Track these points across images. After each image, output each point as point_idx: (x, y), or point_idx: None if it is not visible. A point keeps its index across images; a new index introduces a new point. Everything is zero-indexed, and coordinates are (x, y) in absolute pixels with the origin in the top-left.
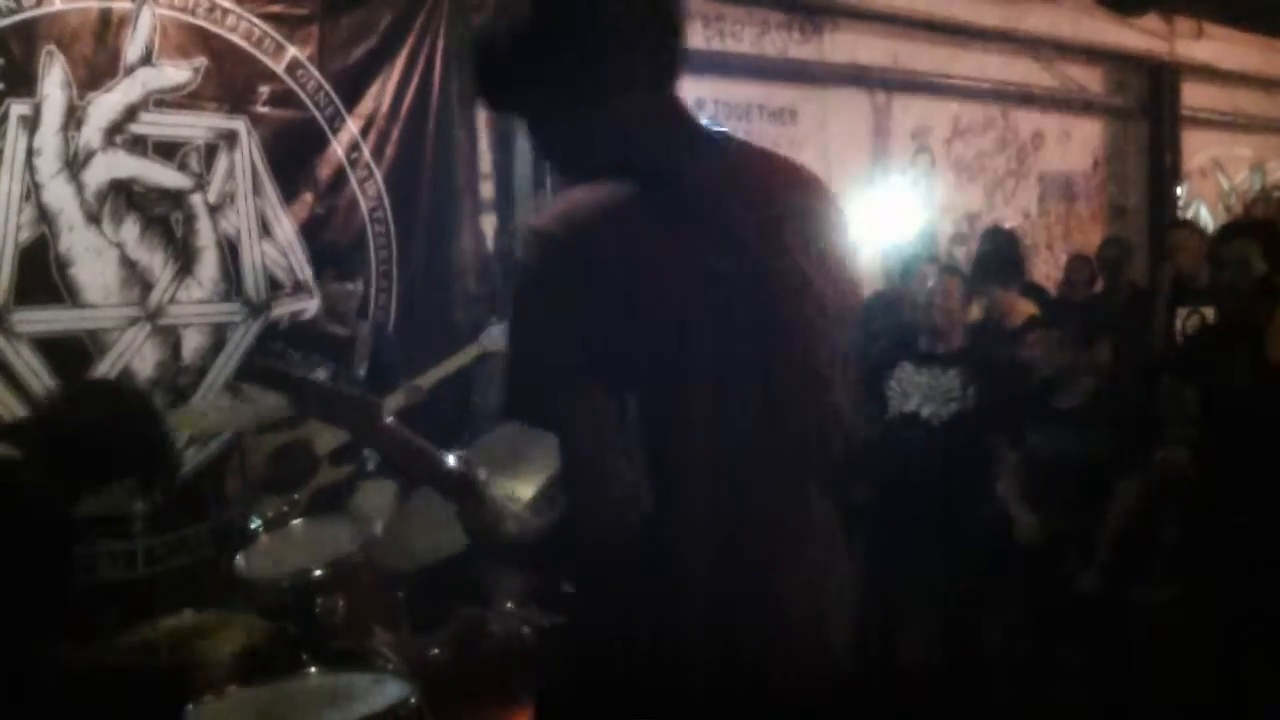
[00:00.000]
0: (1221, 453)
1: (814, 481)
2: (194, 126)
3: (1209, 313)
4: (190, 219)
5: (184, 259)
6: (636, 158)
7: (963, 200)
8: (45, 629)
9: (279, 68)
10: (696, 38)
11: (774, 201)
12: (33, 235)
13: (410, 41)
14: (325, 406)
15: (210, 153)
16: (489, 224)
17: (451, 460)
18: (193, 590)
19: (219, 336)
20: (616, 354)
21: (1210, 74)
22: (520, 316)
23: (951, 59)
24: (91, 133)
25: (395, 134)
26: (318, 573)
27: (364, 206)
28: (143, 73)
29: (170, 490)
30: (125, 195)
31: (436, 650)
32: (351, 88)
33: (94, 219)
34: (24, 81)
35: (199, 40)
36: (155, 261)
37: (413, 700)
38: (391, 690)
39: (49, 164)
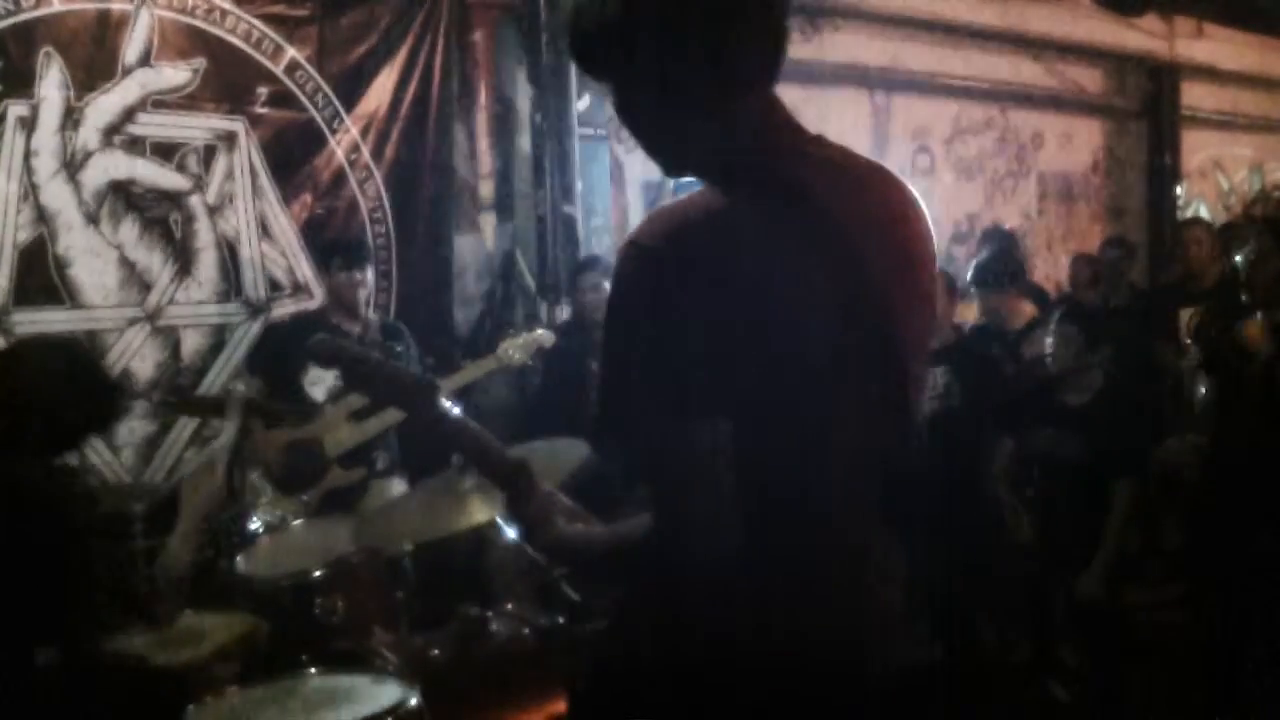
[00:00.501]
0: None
1: (899, 493)
2: (193, 127)
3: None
4: (189, 220)
5: (183, 260)
6: (745, 161)
7: (962, 200)
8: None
9: (278, 69)
10: None
11: (881, 212)
12: (31, 236)
13: (409, 42)
14: (382, 385)
15: (209, 154)
16: (489, 224)
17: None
18: (192, 590)
19: (218, 337)
20: (717, 378)
21: (1210, 74)
22: (617, 336)
23: (951, 59)
24: (89, 134)
25: (395, 134)
26: (317, 573)
27: (363, 207)
28: (141, 74)
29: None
30: (124, 196)
31: (436, 650)
32: (351, 88)
33: (92, 220)
34: (22, 83)
35: (198, 41)
36: (154, 262)
37: (413, 701)
38: (391, 691)
39: (47, 165)
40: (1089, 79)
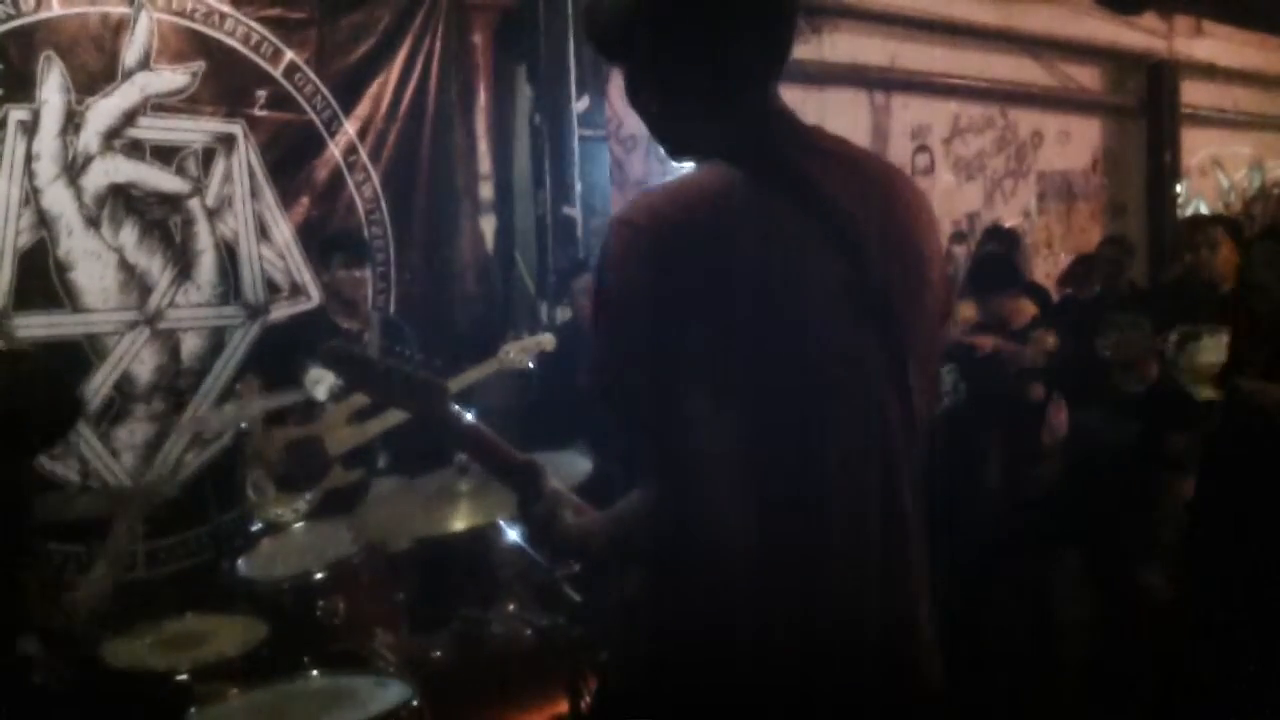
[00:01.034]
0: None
1: (909, 490)
2: (192, 130)
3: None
4: (189, 223)
5: (182, 263)
6: (744, 146)
7: (962, 199)
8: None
9: (277, 71)
10: None
11: (885, 203)
12: (32, 240)
13: (408, 44)
14: (393, 389)
15: (208, 156)
16: (488, 225)
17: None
18: (194, 593)
19: (218, 339)
20: (708, 353)
21: (1209, 72)
22: (605, 313)
23: (951, 58)
24: (90, 137)
25: (393, 136)
26: (318, 575)
27: (361, 209)
28: (141, 77)
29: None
30: (124, 199)
31: (437, 651)
32: (349, 90)
33: (93, 223)
34: (22, 87)
35: (197, 44)
36: (154, 265)
37: (414, 702)
38: (392, 692)
39: (48, 169)
40: (1088, 78)
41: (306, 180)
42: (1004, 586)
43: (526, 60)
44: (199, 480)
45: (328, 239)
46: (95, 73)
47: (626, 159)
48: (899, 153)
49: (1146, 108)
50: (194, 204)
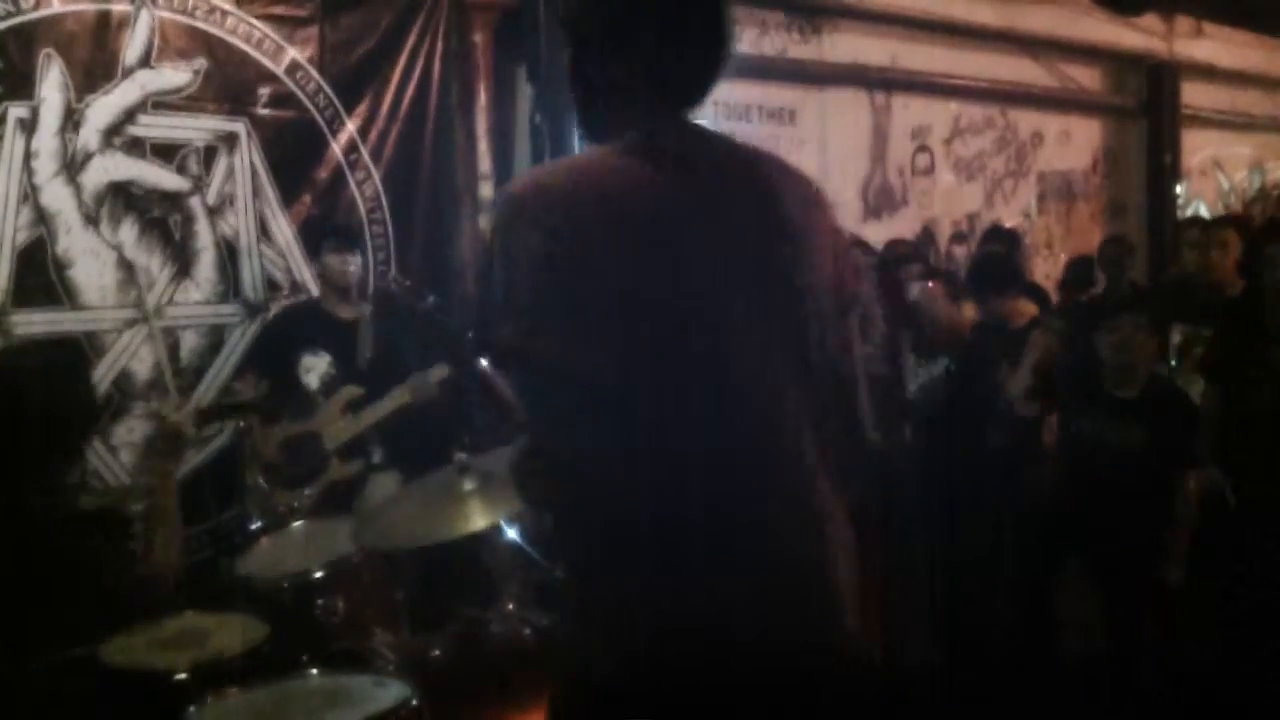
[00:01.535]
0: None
1: (812, 472)
2: (193, 129)
3: None
4: (189, 221)
5: (182, 260)
6: (641, 136)
7: (962, 200)
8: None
9: (279, 69)
10: None
11: (770, 193)
12: (31, 237)
13: (410, 43)
14: (432, 334)
15: (209, 155)
16: (488, 224)
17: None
18: (193, 591)
19: (217, 337)
20: (586, 314)
21: (1209, 73)
22: (489, 274)
23: (951, 59)
24: (90, 135)
25: (394, 135)
26: (318, 574)
27: (361, 207)
28: (141, 75)
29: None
30: (123, 197)
31: (437, 651)
32: (351, 89)
33: (92, 221)
34: (22, 84)
35: (198, 42)
36: (153, 263)
37: (413, 701)
38: (392, 691)
39: (47, 166)
40: (1089, 78)
41: (308, 178)
42: (1006, 588)
43: (526, 60)
44: (198, 479)
45: (317, 227)
46: (95, 70)
47: None
48: (899, 153)
49: (1146, 108)
50: (194, 202)
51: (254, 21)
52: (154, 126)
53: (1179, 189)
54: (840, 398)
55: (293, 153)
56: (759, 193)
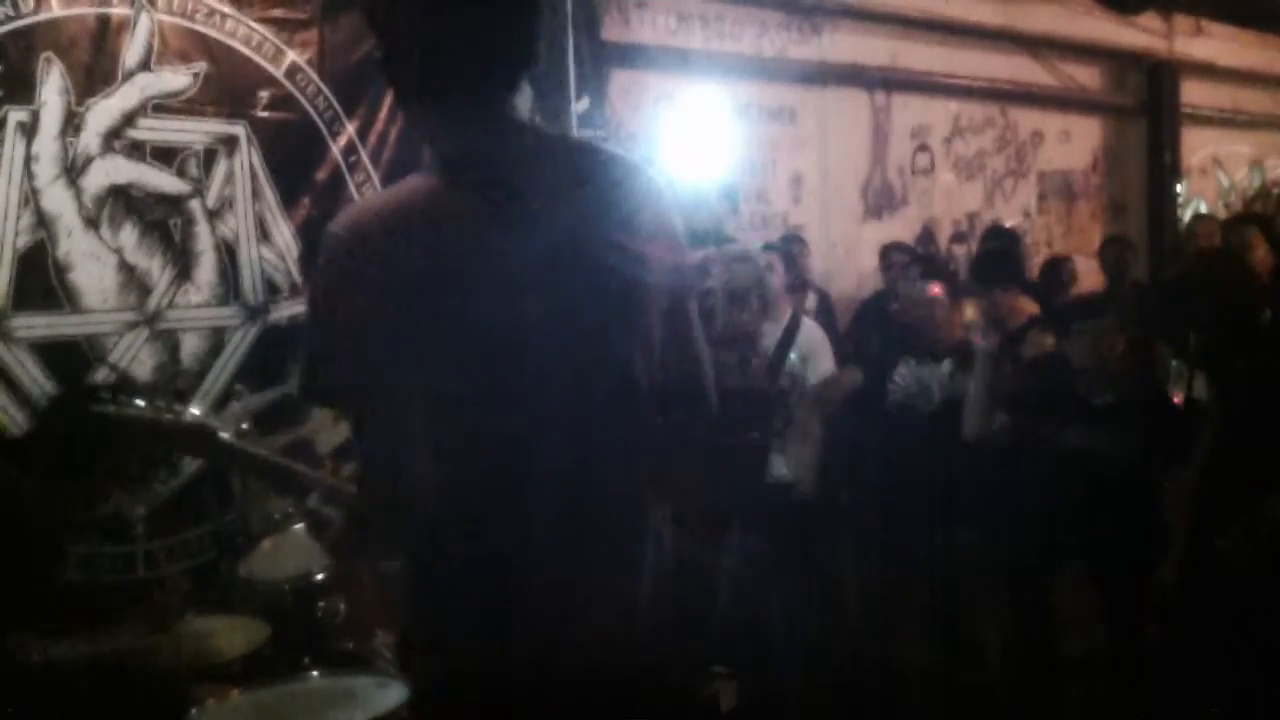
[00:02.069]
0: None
1: (622, 476)
2: (193, 132)
3: None
4: (189, 223)
5: (182, 263)
6: (448, 147)
7: (962, 199)
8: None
9: (278, 72)
10: (696, 38)
11: (577, 185)
12: (31, 240)
13: None
14: (156, 438)
15: (209, 157)
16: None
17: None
18: (195, 593)
19: (217, 340)
20: (396, 347)
21: (1209, 71)
22: (310, 318)
23: (951, 58)
24: (90, 138)
25: (393, 137)
26: (319, 575)
27: None
28: (141, 78)
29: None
30: (124, 200)
31: None
32: (350, 91)
33: (92, 224)
34: (22, 88)
35: (198, 45)
36: (154, 266)
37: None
38: (394, 693)
39: (47, 170)
40: (1088, 77)
41: (307, 181)
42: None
43: None
44: (199, 481)
45: (313, 235)
46: (95, 74)
47: None
48: (899, 153)
49: (1146, 108)
50: (194, 205)
51: (253, 24)
52: (154, 130)
53: (1179, 188)
54: (682, 385)
55: (292, 155)
56: (564, 192)
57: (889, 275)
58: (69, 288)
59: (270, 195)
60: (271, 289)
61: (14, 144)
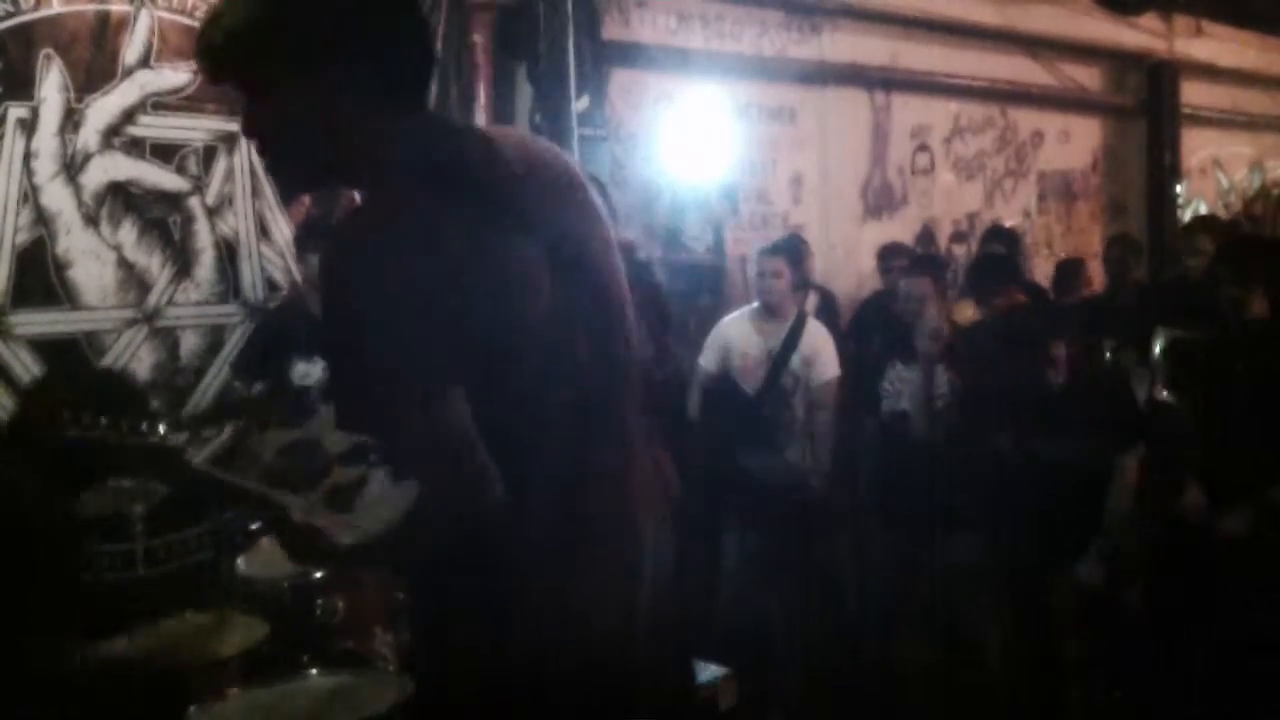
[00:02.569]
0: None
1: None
2: (193, 129)
3: None
4: (189, 221)
5: (182, 261)
6: (414, 159)
7: (962, 199)
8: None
9: None
10: (696, 38)
11: (558, 179)
12: (30, 237)
13: None
14: (125, 464)
15: (209, 155)
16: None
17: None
18: (193, 591)
19: (217, 338)
20: (442, 348)
21: (1209, 72)
22: (339, 330)
23: (951, 58)
24: (89, 135)
25: None
26: (318, 574)
27: None
28: (141, 75)
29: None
30: (123, 197)
31: None
32: None
33: (92, 221)
34: (22, 84)
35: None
36: (153, 263)
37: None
38: (392, 691)
39: (47, 166)
40: (1088, 77)
41: None
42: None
43: (526, 60)
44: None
45: (302, 227)
46: (95, 71)
47: (626, 158)
48: (899, 153)
49: (1146, 108)
50: (194, 202)
51: None
52: (154, 127)
53: (1179, 188)
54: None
55: None
56: (560, 185)
57: (889, 278)
58: (68, 285)
59: (269, 193)
60: (271, 287)
61: (13, 140)
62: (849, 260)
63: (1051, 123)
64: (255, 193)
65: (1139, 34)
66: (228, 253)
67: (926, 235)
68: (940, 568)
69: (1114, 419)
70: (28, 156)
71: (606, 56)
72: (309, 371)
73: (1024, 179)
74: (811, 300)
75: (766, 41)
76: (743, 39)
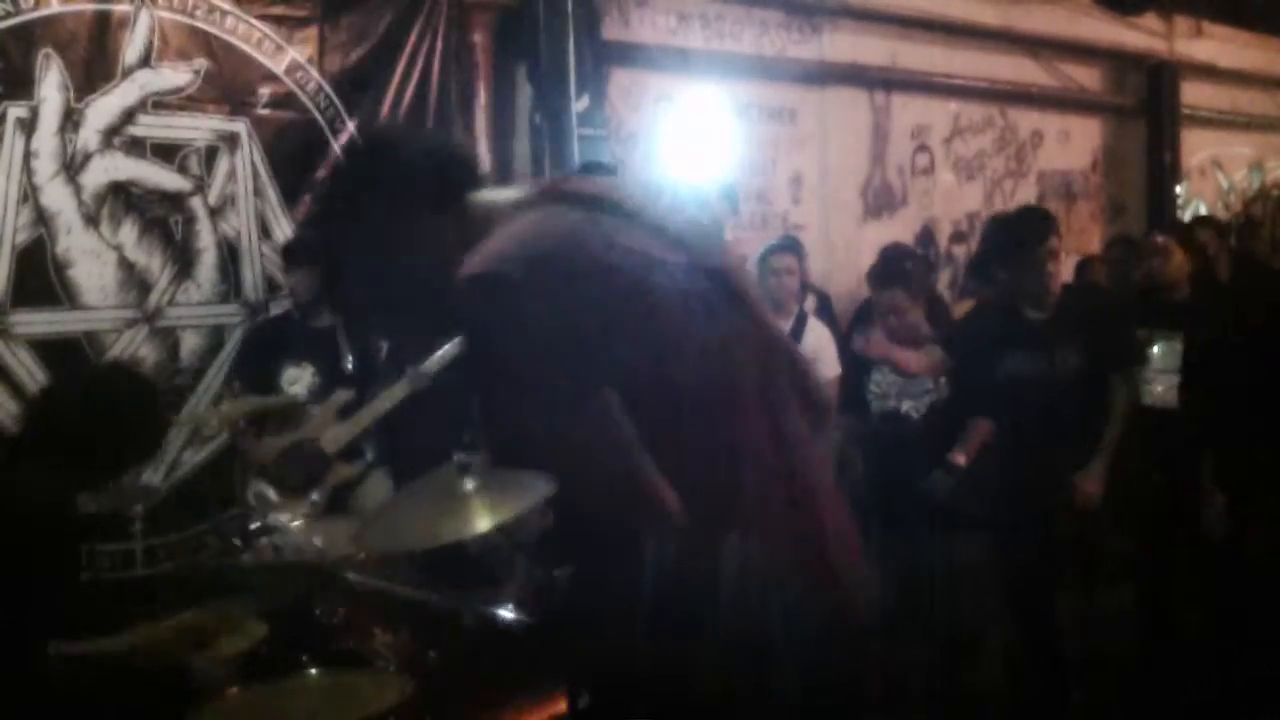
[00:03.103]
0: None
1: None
2: (194, 129)
3: None
4: (190, 221)
5: (183, 261)
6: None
7: (962, 200)
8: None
9: (279, 69)
10: (696, 37)
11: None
12: (31, 237)
13: (410, 42)
14: (280, 584)
15: (210, 155)
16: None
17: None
18: (193, 591)
19: (217, 338)
20: (611, 367)
21: (1209, 72)
22: (511, 357)
23: (951, 58)
24: (89, 135)
25: None
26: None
27: None
28: (141, 75)
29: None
30: (124, 197)
31: (436, 651)
32: (351, 89)
33: (92, 221)
34: (21, 84)
35: (198, 42)
36: (154, 263)
37: (413, 702)
38: (392, 691)
39: (47, 166)
40: (1088, 78)
41: (309, 178)
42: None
43: (526, 60)
44: (198, 478)
45: (284, 247)
46: (95, 70)
47: (626, 158)
48: (899, 152)
49: (1146, 108)
50: (195, 202)
51: (254, 21)
52: (154, 126)
53: (1179, 189)
54: None
55: (294, 153)
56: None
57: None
58: (68, 284)
59: (272, 193)
60: (272, 287)
61: (13, 140)
62: (849, 260)
63: (1051, 123)
64: (257, 193)
65: (1139, 34)
66: (229, 253)
67: (926, 235)
68: (940, 568)
69: (1107, 340)
70: (27, 156)
71: (606, 56)
72: (298, 378)
73: (1024, 179)
74: (810, 301)
75: (766, 41)
76: (743, 39)
